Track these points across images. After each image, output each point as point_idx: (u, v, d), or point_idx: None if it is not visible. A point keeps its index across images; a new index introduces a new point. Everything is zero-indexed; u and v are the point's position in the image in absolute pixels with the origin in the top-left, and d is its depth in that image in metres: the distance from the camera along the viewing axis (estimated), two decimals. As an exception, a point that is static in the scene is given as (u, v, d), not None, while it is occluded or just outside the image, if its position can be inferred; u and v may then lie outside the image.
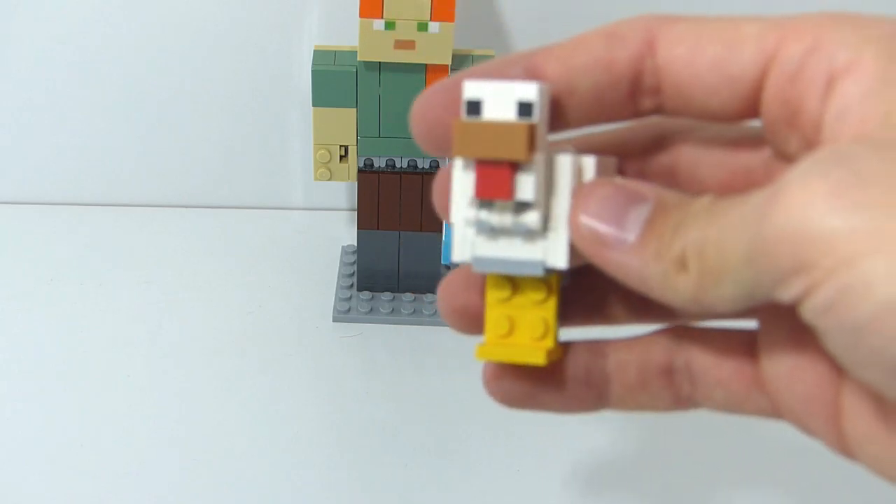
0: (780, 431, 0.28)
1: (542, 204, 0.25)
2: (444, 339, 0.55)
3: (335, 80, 0.51)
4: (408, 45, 0.49)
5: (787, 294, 0.21)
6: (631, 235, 0.24)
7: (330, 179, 0.54)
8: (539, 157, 0.24)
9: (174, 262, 0.59)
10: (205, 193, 0.64)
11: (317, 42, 0.59)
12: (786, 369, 0.25)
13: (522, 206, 0.25)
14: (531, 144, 0.24)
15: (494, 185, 0.24)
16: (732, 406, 0.27)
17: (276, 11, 0.59)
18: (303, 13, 0.59)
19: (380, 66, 0.50)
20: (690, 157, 0.27)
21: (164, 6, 0.58)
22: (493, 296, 0.27)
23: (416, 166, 0.53)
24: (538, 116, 0.24)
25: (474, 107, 0.24)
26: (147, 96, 0.61)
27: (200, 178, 0.63)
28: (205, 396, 0.51)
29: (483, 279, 0.27)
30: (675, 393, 0.27)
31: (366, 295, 0.56)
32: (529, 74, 0.25)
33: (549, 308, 0.26)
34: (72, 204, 0.63)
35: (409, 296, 0.56)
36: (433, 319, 0.55)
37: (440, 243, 0.54)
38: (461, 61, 0.52)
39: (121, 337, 0.54)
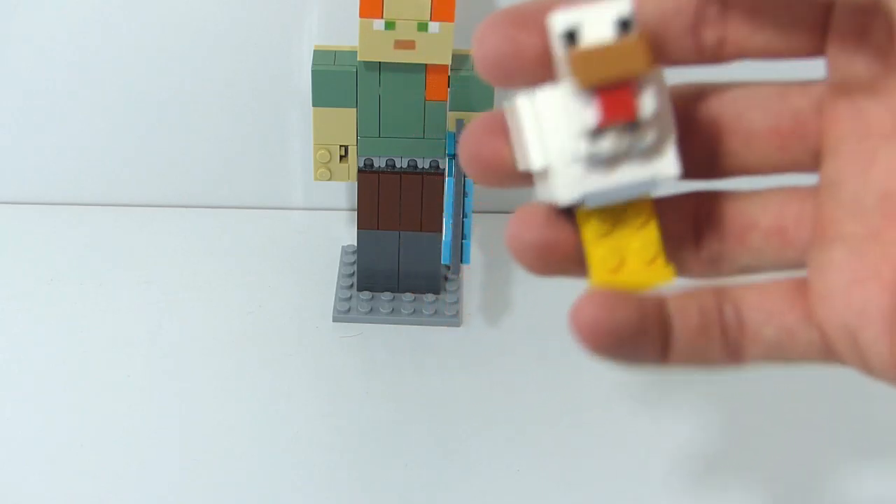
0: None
1: (657, 118, 0.24)
2: (444, 339, 0.55)
3: (335, 80, 0.51)
4: (408, 45, 0.49)
5: None
6: None
7: (330, 179, 0.54)
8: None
9: (174, 262, 0.59)
10: (205, 193, 0.64)
11: (317, 42, 0.59)
12: (845, 284, 0.25)
13: (635, 126, 0.24)
14: (650, 55, 0.23)
15: (619, 108, 0.24)
16: (782, 345, 0.26)
17: (276, 11, 0.58)
18: (303, 13, 0.59)
19: (380, 66, 0.50)
20: (735, 105, 0.26)
21: (163, 6, 0.58)
22: (592, 232, 0.25)
23: (416, 166, 0.53)
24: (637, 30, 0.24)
25: (570, 38, 0.23)
26: (147, 96, 0.61)
27: (200, 178, 0.63)
28: (205, 396, 0.51)
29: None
30: (726, 341, 0.26)
31: (366, 295, 0.56)
32: None
33: (653, 229, 0.26)
34: (72, 204, 0.63)
35: (409, 296, 0.56)
36: (433, 319, 0.55)
37: (440, 243, 0.53)
38: (461, 61, 0.52)
39: (121, 337, 0.54)
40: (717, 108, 0.27)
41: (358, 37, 0.49)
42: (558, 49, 0.24)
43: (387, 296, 0.56)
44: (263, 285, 0.58)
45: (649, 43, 0.24)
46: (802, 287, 0.26)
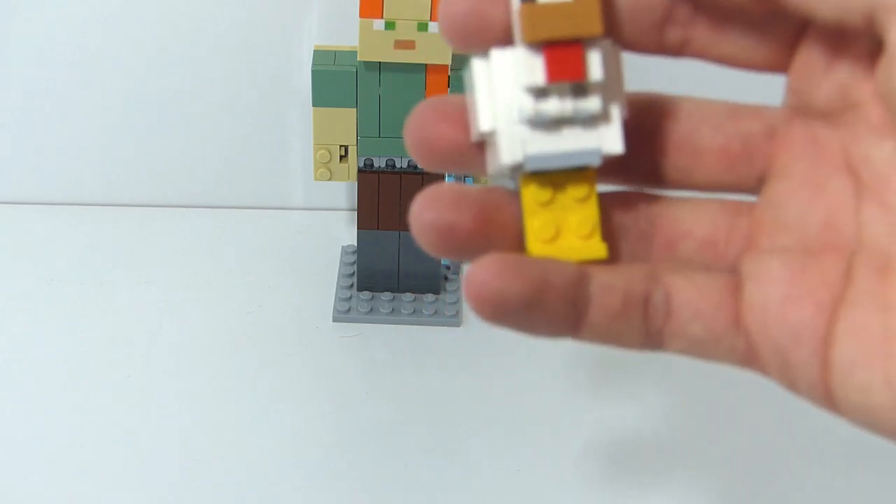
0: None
1: (603, 86, 0.24)
2: (444, 339, 0.55)
3: (335, 80, 0.51)
4: (408, 45, 0.49)
5: None
6: None
7: (330, 179, 0.54)
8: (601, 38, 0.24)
9: (174, 262, 0.59)
10: (205, 193, 0.64)
11: (317, 42, 0.59)
12: (780, 298, 0.25)
13: (581, 92, 0.24)
14: (602, 19, 0.24)
15: (566, 67, 0.24)
16: (705, 345, 0.26)
17: (276, 11, 0.58)
18: (303, 13, 0.59)
19: (380, 66, 0.50)
20: (688, 121, 0.27)
21: (164, 6, 0.58)
22: (532, 199, 0.25)
23: (415, 166, 0.53)
24: None
25: None
26: (147, 96, 0.61)
27: (200, 178, 0.63)
28: (205, 396, 0.51)
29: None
30: (648, 326, 0.26)
31: (366, 295, 0.56)
32: None
33: (592, 205, 0.26)
34: (72, 204, 0.63)
35: (409, 296, 0.56)
36: (433, 319, 0.55)
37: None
38: (461, 61, 0.52)
39: (121, 337, 0.54)
40: (668, 121, 0.27)
41: (358, 37, 0.49)
42: (515, 6, 0.24)
43: (387, 296, 0.56)
44: (263, 285, 0.58)
45: (603, 7, 0.24)
46: (735, 290, 0.25)
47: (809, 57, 0.25)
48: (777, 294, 0.25)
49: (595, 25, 0.23)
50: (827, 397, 0.24)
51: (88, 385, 0.51)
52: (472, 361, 0.54)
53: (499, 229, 0.25)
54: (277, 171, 0.63)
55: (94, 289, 0.57)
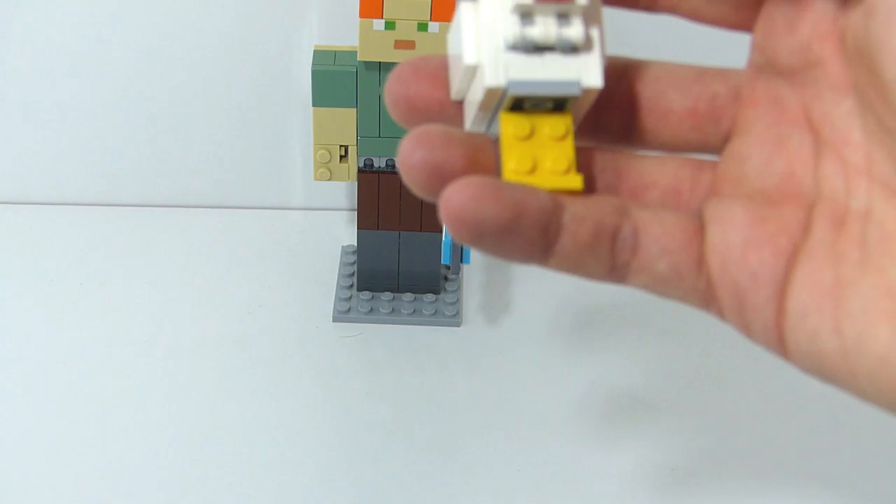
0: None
1: (585, 16, 0.25)
2: (444, 339, 0.55)
3: (335, 80, 0.51)
4: (408, 45, 0.49)
5: None
6: None
7: (330, 179, 0.54)
8: None
9: (174, 262, 0.59)
10: (205, 193, 0.64)
11: (317, 42, 0.59)
12: (742, 242, 0.25)
13: (565, 20, 0.25)
14: None
15: None
16: (668, 282, 0.26)
17: (276, 11, 0.58)
18: (303, 13, 0.59)
19: (380, 66, 0.50)
20: (657, 84, 0.27)
21: (164, 6, 0.58)
22: (511, 133, 0.26)
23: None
24: None
25: None
26: (147, 96, 0.61)
27: (200, 178, 0.63)
28: (205, 396, 0.51)
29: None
30: (614, 259, 0.26)
31: (366, 295, 0.56)
32: None
33: (569, 143, 0.26)
34: (72, 204, 0.63)
35: (409, 296, 0.56)
36: (433, 319, 0.55)
37: (440, 243, 0.54)
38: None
39: (121, 337, 0.54)
40: (639, 84, 0.27)
41: (358, 37, 0.49)
42: None
43: (387, 296, 0.56)
44: (263, 285, 0.58)
45: None
46: (700, 230, 0.26)
47: (773, 15, 0.26)
48: (738, 237, 0.25)
49: None
50: (779, 342, 0.25)
51: (88, 385, 0.51)
52: (472, 361, 0.54)
53: (484, 171, 0.25)
54: (277, 171, 0.63)
55: (94, 289, 0.57)
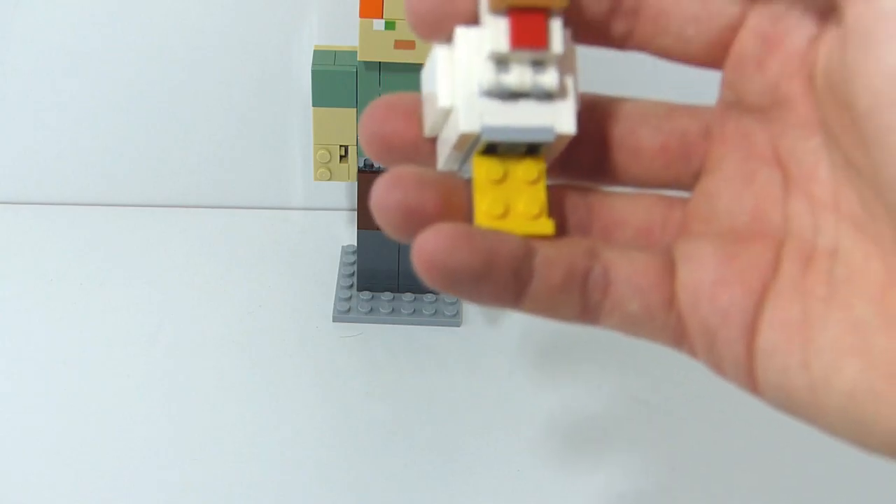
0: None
1: (560, 64, 0.25)
2: (444, 339, 0.55)
3: (335, 80, 0.51)
4: (408, 45, 0.49)
5: None
6: None
7: (330, 179, 0.54)
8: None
9: (174, 262, 0.59)
10: (205, 193, 0.64)
11: (317, 42, 0.59)
12: (712, 281, 0.25)
13: (540, 67, 0.25)
14: None
15: (530, 34, 0.25)
16: (640, 321, 0.26)
17: (276, 11, 0.58)
18: (303, 13, 0.59)
19: (380, 66, 0.50)
20: (628, 121, 0.28)
21: (164, 6, 0.58)
22: (484, 176, 0.26)
23: (416, 166, 0.53)
24: None
25: None
26: (147, 96, 0.61)
27: (200, 178, 0.63)
28: (205, 396, 0.51)
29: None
30: (586, 301, 0.26)
31: (366, 295, 0.56)
32: None
33: (541, 187, 0.26)
34: (72, 204, 0.63)
35: (409, 296, 0.56)
36: (433, 319, 0.55)
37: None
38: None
39: (121, 337, 0.54)
40: (610, 121, 0.28)
41: (358, 37, 0.49)
42: None
43: (387, 296, 0.56)
44: (263, 285, 0.58)
45: None
46: (670, 270, 0.26)
47: (743, 53, 0.26)
48: (709, 276, 0.26)
49: None
50: (749, 379, 0.25)
51: (88, 385, 0.51)
52: (472, 361, 0.54)
53: (457, 213, 0.26)
54: (277, 171, 0.63)
55: (94, 289, 0.57)
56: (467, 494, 0.47)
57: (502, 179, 0.26)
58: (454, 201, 0.26)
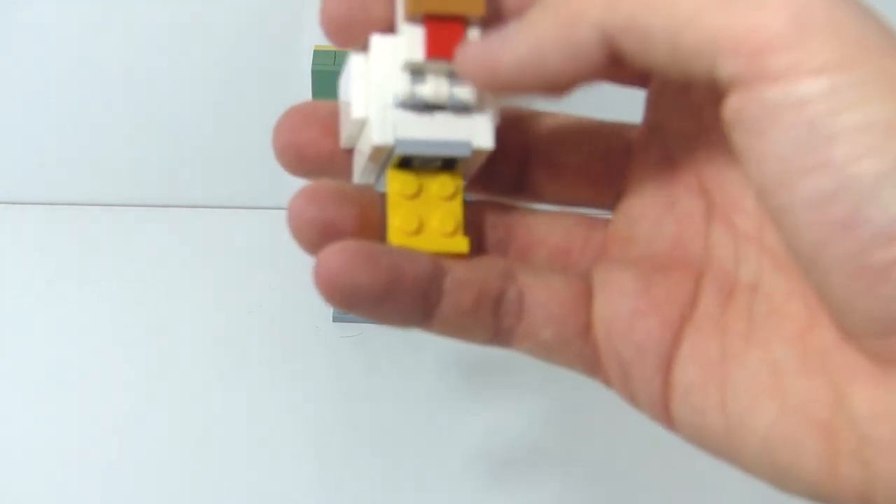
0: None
1: None
2: (445, 339, 0.55)
3: (335, 80, 0.51)
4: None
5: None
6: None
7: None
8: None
9: (174, 262, 0.59)
10: (205, 193, 0.64)
11: (317, 42, 0.59)
12: (628, 312, 0.24)
13: (457, 79, 0.24)
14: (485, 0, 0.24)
15: (447, 44, 0.24)
16: (554, 349, 0.25)
17: (276, 11, 0.58)
18: (303, 13, 0.59)
19: (380, 66, 0.50)
20: (548, 140, 0.27)
21: (163, 6, 0.58)
22: (398, 191, 0.25)
23: (416, 166, 0.53)
24: None
25: None
26: (147, 96, 0.61)
27: (201, 179, 0.63)
28: (205, 397, 0.51)
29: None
30: (498, 324, 0.25)
31: (366, 295, 0.56)
32: None
33: (457, 203, 0.25)
34: (72, 204, 0.63)
35: (409, 296, 0.56)
36: (433, 319, 0.55)
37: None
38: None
39: (120, 336, 0.54)
40: (533, 137, 0.27)
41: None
42: None
43: (387, 296, 0.56)
44: (263, 285, 0.58)
45: None
46: (587, 296, 0.25)
47: (663, 84, 0.25)
48: (625, 308, 0.24)
49: (478, 5, 0.23)
50: (665, 415, 0.24)
51: (88, 385, 0.51)
52: (472, 361, 0.54)
53: (375, 229, 0.25)
54: (277, 171, 0.63)
55: (94, 289, 0.57)
56: (467, 494, 0.47)
57: (417, 194, 0.25)
58: (372, 217, 0.25)
